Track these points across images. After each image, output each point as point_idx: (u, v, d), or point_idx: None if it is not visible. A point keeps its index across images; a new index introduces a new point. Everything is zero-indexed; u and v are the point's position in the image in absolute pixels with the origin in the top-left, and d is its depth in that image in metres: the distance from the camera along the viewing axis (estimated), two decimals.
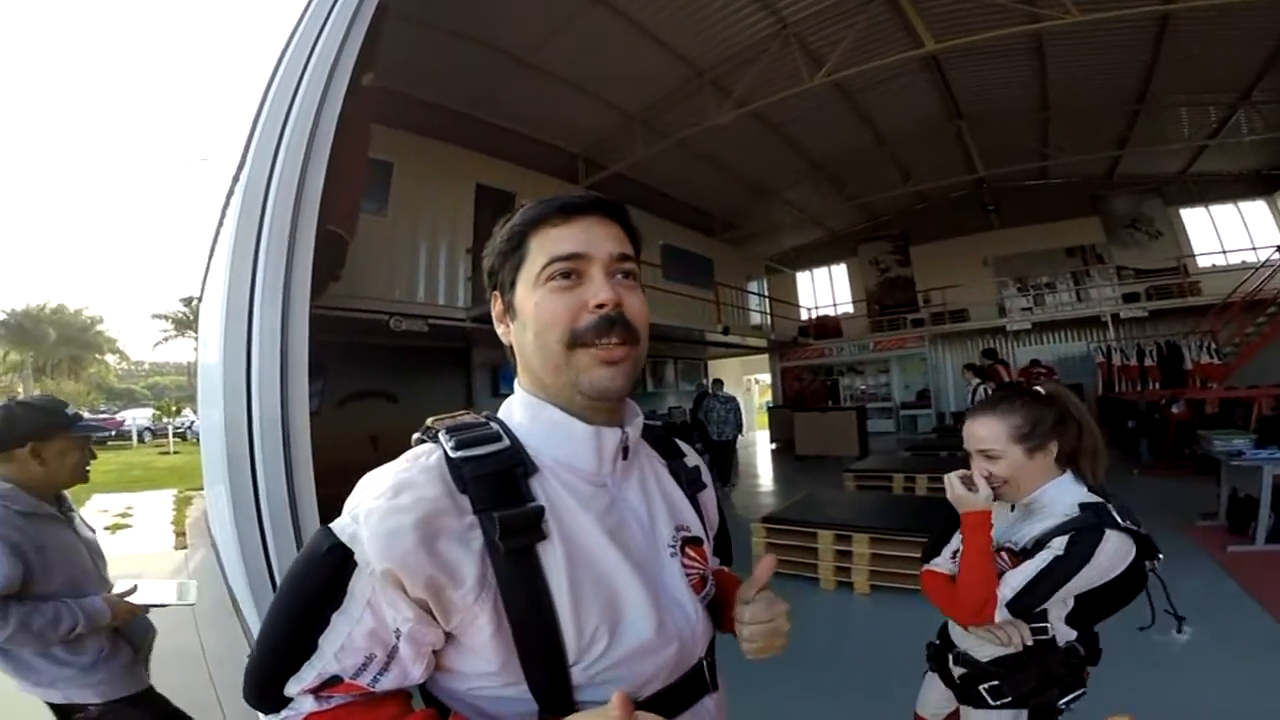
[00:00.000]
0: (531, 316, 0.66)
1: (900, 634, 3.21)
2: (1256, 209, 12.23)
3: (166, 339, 27.65)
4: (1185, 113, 10.20)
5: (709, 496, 0.86)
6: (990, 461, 1.37)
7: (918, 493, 6.47)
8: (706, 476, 0.87)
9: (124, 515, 8.88)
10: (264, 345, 2.72)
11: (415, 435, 0.69)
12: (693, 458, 0.87)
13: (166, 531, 7.80)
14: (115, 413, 28.28)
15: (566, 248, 0.66)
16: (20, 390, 30.47)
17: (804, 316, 16.87)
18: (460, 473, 0.61)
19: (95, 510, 9.22)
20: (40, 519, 1.67)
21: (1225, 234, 12.43)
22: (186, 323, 24.79)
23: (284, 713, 0.59)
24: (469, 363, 9.46)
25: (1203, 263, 12.39)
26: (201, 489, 8.94)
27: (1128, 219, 12.94)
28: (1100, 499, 1.32)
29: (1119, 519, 1.26)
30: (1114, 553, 1.25)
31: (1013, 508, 1.44)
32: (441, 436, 0.64)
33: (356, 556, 0.57)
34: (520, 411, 0.70)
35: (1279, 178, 11.79)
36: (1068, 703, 1.37)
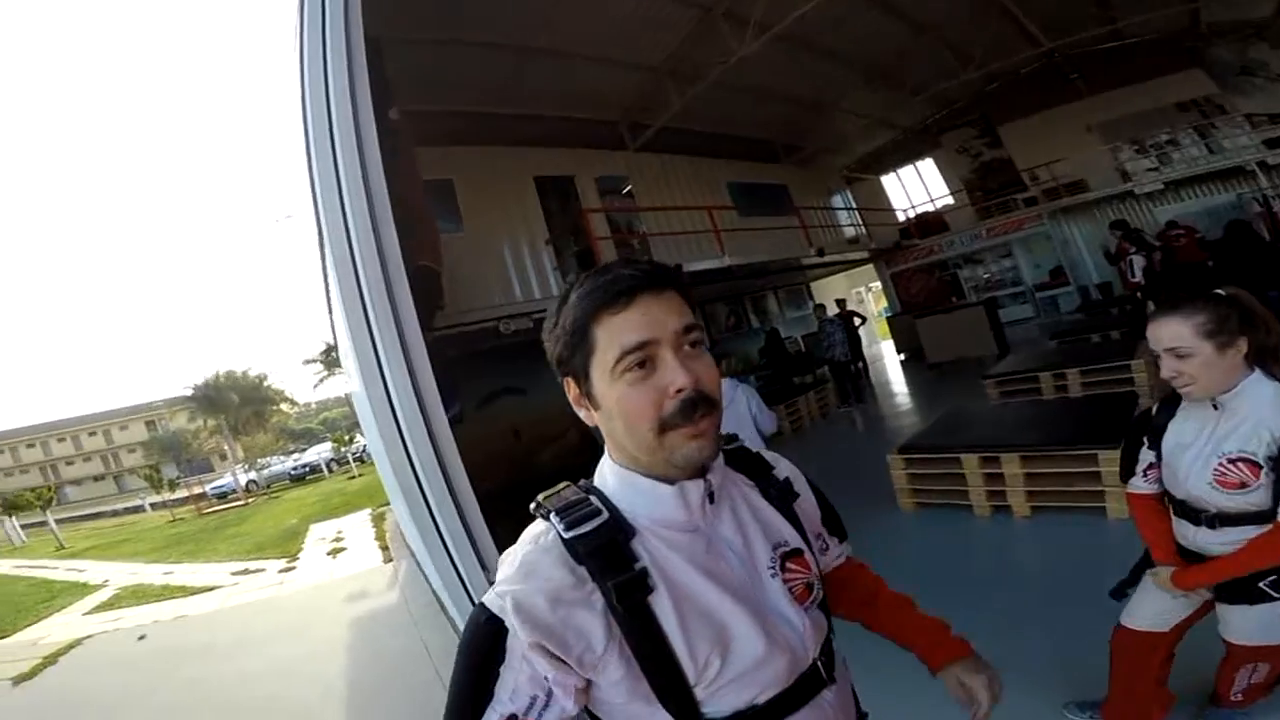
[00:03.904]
0: (617, 410, 0.72)
1: (1071, 557, 3.08)
2: None
3: (322, 380, 30.37)
4: None
5: (805, 502, 0.94)
6: (1181, 360, 1.38)
7: (1071, 392, 5.68)
8: (801, 485, 0.94)
9: (338, 540, 10.32)
10: (396, 379, 3.10)
11: (532, 506, 0.77)
12: (782, 470, 0.93)
13: (374, 548, 9.00)
14: (303, 451, 32.31)
15: (634, 337, 0.70)
16: (227, 449, 35.98)
17: (901, 218, 15.78)
18: (575, 549, 0.70)
19: (315, 539, 10.82)
20: None
21: None
22: (334, 361, 27.40)
23: None
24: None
25: None
26: (388, 504, 10.19)
27: (1237, 66, 11.00)
28: None
29: None
30: None
31: (1215, 405, 1.43)
32: (553, 518, 0.73)
33: (507, 624, 0.67)
34: (612, 480, 0.78)
35: None
36: None
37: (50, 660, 6.08)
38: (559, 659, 0.68)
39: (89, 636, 6.86)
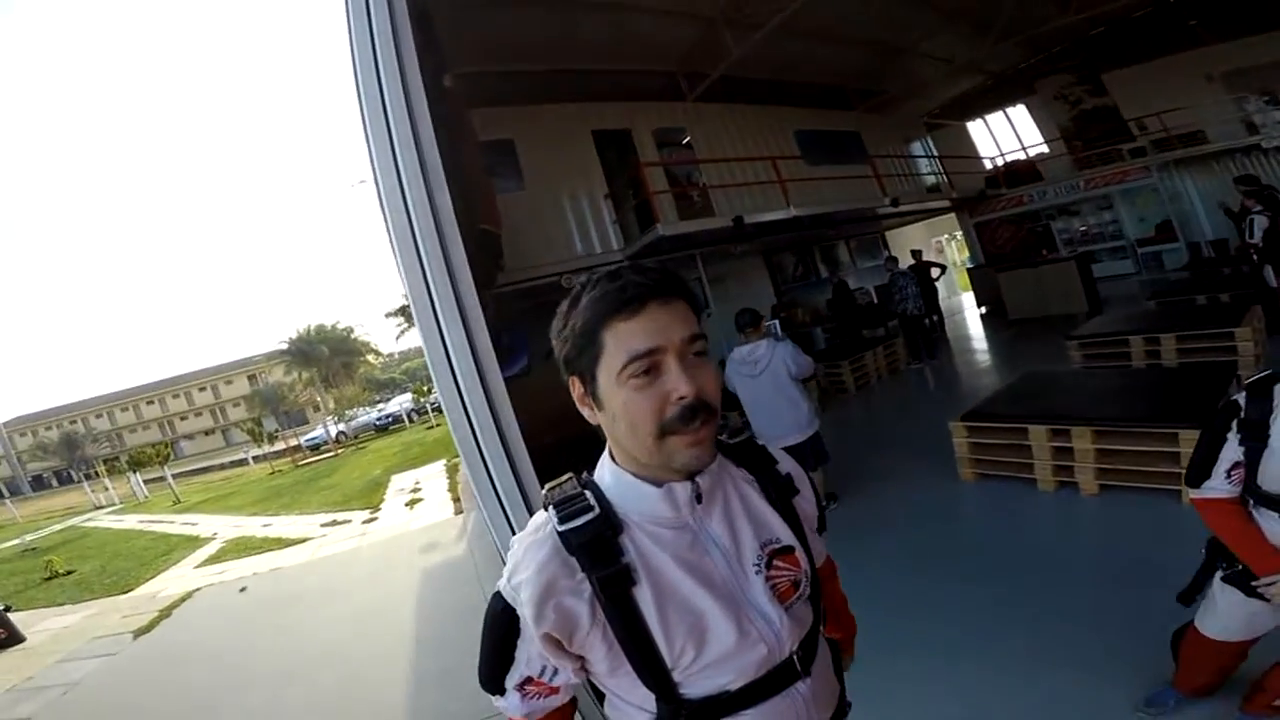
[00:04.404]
0: (621, 412, 0.76)
1: (1137, 541, 2.90)
2: None
3: (403, 331, 31.24)
4: None
5: (804, 498, 0.96)
6: None
7: (1164, 360, 5.14)
8: (801, 481, 0.95)
9: (415, 490, 10.97)
10: (454, 340, 3.22)
11: (544, 492, 0.86)
12: (785, 465, 0.95)
13: (446, 499, 9.51)
14: (386, 401, 34.11)
15: (641, 344, 0.73)
16: (319, 400, 38.55)
17: (987, 167, 14.77)
18: (568, 541, 0.78)
19: (395, 490, 11.53)
20: None
21: None
22: (411, 314, 28.10)
23: (502, 700, 0.86)
24: None
25: None
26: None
27: None
28: None
29: None
30: None
31: None
32: (551, 511, 0.81)
33: (519, 612, 0.78)
34: (609, 477, 0.84)
35: None
36: None
37: (165, 614, 6.77)
38: (556, 642, 0.77)
39: (198, 589, 7.61)
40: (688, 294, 0.79)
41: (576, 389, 0.82)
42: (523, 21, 6.91)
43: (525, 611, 0.76)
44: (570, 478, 0.86)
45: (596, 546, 0.78)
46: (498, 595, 0.81)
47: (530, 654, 0.80)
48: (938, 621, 2.69)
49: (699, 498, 0.82)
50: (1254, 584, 1.43)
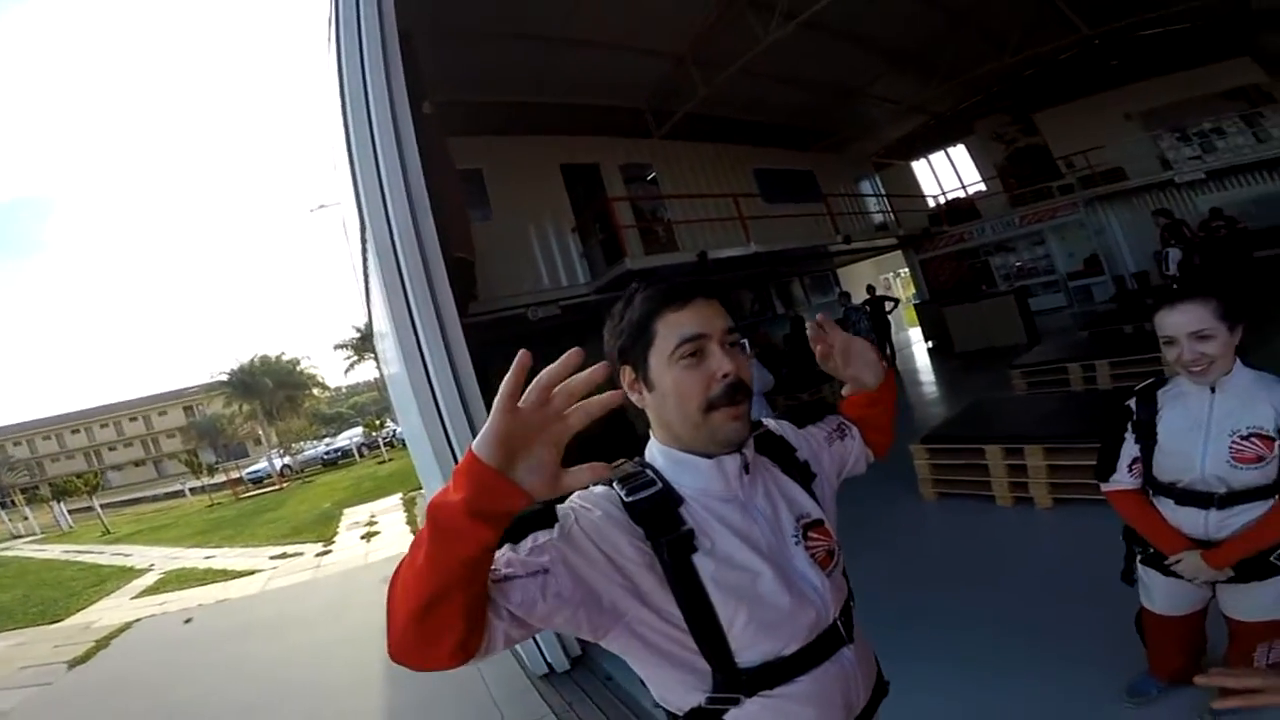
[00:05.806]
0: (671, 390, 0.85)
1: (1091, 546, 2.98)
2: None
3: (352, 365, 31.04)
4: None
5: (822, 480, 1.05)
6: (1203, 342, 1.42)
7: (1099, 385, 5.58)
8: (817, 466, 1.05)
9: (371, 524, 10.60)
10: (436, 362, 3.26)
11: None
12: (803, 452, 1.05)
13: (405, 531, 9.23)
14: (334, 435, 33.04)
15: (690, 330, 0.84)
16: (261, 434, 36.85)
17: (931, 205, 15.64)
18: (635, 511, 0.83)
19: (349, 524, 11.11)
20: None
21: None
22: (363, 347, 27.66)
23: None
24: (600, 331, 9.98)
25: None
26: (420, 489, 10.40)
27: None
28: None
29: None
30: None
31: (1212, 389, 1.48)
32: (616, 485, 0.86)
33: (560, 519, 0.78)
34: (661, 457, 0.91)
35: None
36: None
37: (103, 644, 6.35)
38: (599, 558, 0.77)
39: (137, 620, 7.15)
40: (723, 296, 0.91)
41: (628, 377, 0.90)
42: (495, 54, 7.08)
43: (582, 521, 0.78)
44: (625, 461, 0.93)
45: (661, 515, 0.84)
46: (548, 505, 0.81)
47: (539, 540, 0.76)
48: (909, 629, 2.81)
49: (746, 468, 0.91)
50: (1166, 563, 1.62)
